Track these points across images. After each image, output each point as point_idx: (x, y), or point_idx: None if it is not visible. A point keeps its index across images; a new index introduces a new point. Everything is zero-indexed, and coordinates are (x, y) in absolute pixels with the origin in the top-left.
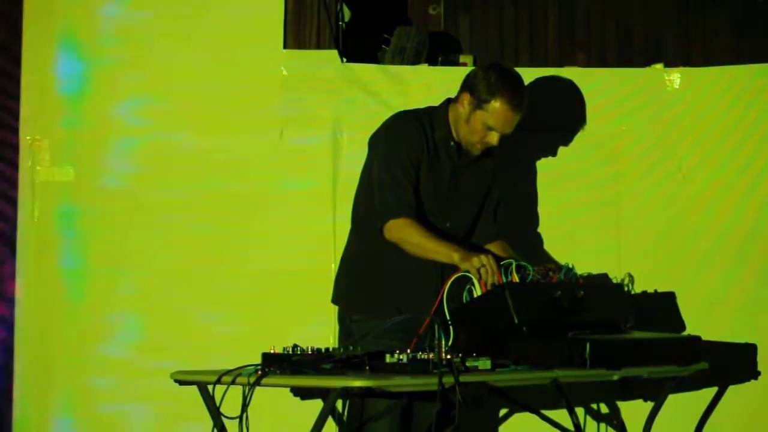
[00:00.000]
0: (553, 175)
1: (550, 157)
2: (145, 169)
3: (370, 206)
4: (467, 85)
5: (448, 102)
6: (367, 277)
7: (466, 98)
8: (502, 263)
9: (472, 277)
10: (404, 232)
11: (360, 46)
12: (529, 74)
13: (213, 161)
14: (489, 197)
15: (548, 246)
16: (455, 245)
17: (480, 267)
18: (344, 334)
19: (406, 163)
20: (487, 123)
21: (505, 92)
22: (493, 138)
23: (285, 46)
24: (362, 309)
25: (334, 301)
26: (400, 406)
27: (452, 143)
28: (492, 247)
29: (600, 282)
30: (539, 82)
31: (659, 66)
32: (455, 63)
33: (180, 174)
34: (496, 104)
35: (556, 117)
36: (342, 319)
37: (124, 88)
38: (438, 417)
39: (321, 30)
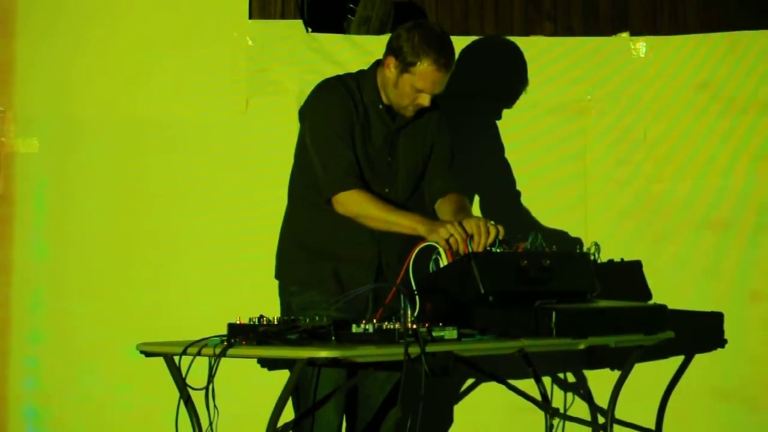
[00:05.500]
0: (520, 145)
1: (516, 126)
2: (109, 140)
3: (306, 180)
4: (391, 47)
5: (377, 64)
6: (304, 249)
7: (392, 62)
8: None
9: (439, 246)
10: (360, 207)
11: (325, 16)
12: (495, 43)
13: (178, 132)
14: (435, 150)
15: (516, 216)
16: (418, 216)
17: (449, 237)
18: (284, 307)
19: (339, 129)
20: (416, 86)
21: (431, 53)
22: (424, 99)
23: (250, 17)
24: (300, 281)
25: (276, 275)
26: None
27: (381, 106)
28: (446, 201)
29: (566, 251)
30: (504, 51)
31: (625, 35)
32: None
33: (145, 145)
34: (422, 66)
35: (522, 85)
36: (282, 292)
37: (88, 59)
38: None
39: (286, 0)
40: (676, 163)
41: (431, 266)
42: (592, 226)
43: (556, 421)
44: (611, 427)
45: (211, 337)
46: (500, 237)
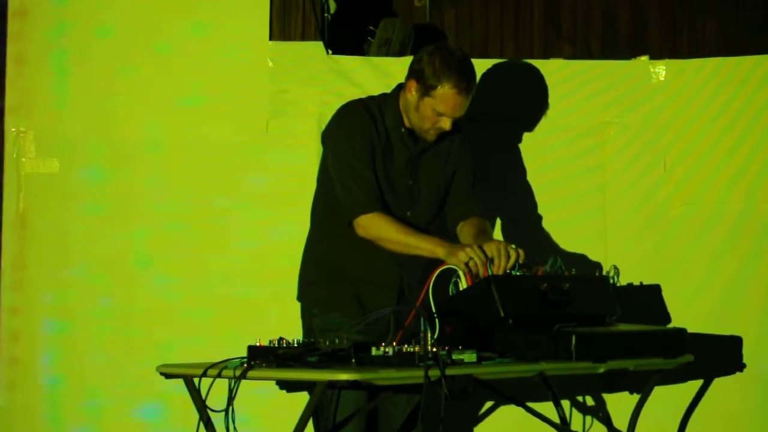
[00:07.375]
0: (539, 167)
1: (535, 149)
2: (129, 161)
3: (327, 203)
4: (413, 71)
5: (400, 88)
6: (326, 271)
7: (413, 85)
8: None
9: (458, 270)
10: (381, 230)
11: (345, 38)
12: (514, 66)
13: (198, 154)
14: (457, 174)
15: (535, 239)
16: (438, 239)
17: (468, 261)
18: (306, 328)
19: (360, 152)
20: (437, 109)
21: (452, 76)
22: (445, 123)
23: (270, 38)
24: (322, 302)
25: (298, 297)
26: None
27: (403, 129)
28: (467, 224)
29: (585, 275)
30: (524, 73)
31: (644, 58)
32: None
33: (165, 167)
34: (443, 90)
35: (542, 108)
36: (304, 314)
37: (108, 80)
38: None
39: (306, 22)
40: (695, 186)
41: (451, 289)
42: (611, 250)
43: None
44: None
45: (231, 359)
46: (520, 260)
